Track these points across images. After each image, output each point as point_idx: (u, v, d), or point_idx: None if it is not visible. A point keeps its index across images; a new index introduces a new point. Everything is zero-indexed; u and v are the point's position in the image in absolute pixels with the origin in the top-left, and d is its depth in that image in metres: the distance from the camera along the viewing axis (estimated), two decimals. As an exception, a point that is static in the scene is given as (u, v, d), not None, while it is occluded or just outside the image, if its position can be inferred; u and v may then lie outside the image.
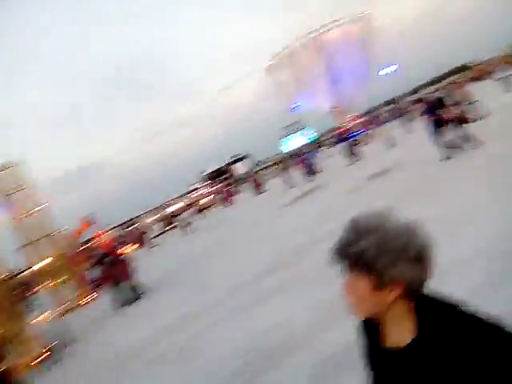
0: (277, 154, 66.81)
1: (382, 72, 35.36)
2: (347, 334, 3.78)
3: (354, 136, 34.19)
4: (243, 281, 7.53)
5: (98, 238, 29.13)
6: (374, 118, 42.96)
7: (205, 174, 74.06)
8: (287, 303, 5.47)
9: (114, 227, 46.26)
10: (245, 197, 35.38)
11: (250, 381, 3.86)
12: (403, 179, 10.54)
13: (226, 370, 4.26)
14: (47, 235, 15.17)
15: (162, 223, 42.17)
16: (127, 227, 51.11)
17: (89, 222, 24.75)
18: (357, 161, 20.37)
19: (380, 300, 0.94)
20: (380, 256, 0.90)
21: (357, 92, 35.83)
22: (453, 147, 10.32)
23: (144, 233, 32.44)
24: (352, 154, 20.99)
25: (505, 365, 0.82)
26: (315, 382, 3.38)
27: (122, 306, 10.45)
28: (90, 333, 9.56)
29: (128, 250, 24.24)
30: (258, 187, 29.73)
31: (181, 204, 54.33)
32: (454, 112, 10.45)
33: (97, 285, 11.44)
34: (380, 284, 0.92)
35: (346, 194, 11.89)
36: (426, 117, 11.06)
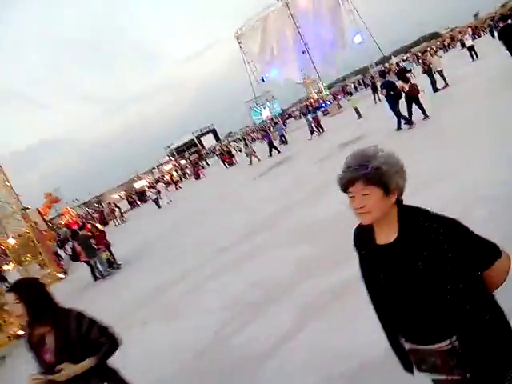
0: (246, 126, 66.59)
1: (354, 39, 35.45)
2: (326, 281, 4.18)
3: (323, 107, 34.60)
4: (222, 247, 7.78)
5: (66, 215, 28.78)
6: (343, 87, 43.29)
7: (172, 147, 72.85)
8: (267, 262, 5.79)
9: (82, 204, 45.40)
10: (215, 170, 35.34)
11: (239, 329, 4.15)
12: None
13: (214, 322, 4.53)
14: (15, 212, 14.82)
15: (131, 198, 41.68)
16: (95, 203, 50.21)
17: (56, 198, 24.24)
18: (318, 135, 20.70)
19: (385, 206, 1.31)
20: (388, 171, 1.27)
21: (327, 61, 35.94)
22: (405, 119, 10.97)
23: (113, 209, 32.02)
24: (317, 127, 21.27)
25: (459, 241, 1.24)
26: (299, 324, 3.69)
27: (102, 277, 10.57)
28: (71, 302, 9.65)
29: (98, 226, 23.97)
30: (229, 160, 29.68)
31: (149, 179, 53.69)
32: (406, 87, 11.04)
33: (73, 259, 11.40)
34: (387, 192, 1.28)
35: (316, 163, 12.23)
36: (383, 91, 11.74)
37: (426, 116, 10.81)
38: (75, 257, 11.14)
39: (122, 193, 52.84)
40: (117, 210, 30.75)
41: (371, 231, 1.40)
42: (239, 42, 35.15)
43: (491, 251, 1.28)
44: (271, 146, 21.27)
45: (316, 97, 50.28)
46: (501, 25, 12.79)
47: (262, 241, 6.94)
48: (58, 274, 14.15)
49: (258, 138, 48.38)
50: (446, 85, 15.16)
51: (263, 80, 34.43)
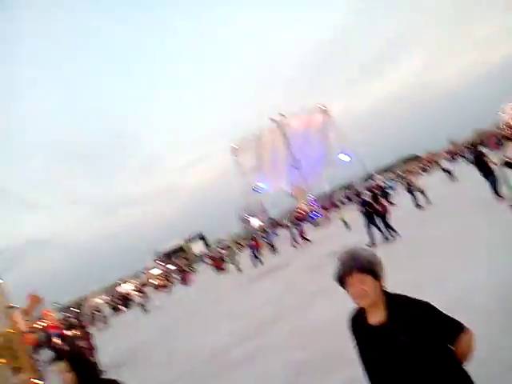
0: (236, 234, 67.47)
1: (341, 157, 38.40)
2: None
3: (312, 218, 35.81)
4: (214, 352, 7.73)
5: (46, 318, 27.51)
6: (330, 201, 45.24)
7: (161, 252, 72.63)
8: (256, 371, 5.84)
9: (64, 307, 43.58)
10: (204, 276, 35.04)
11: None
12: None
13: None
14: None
15: (115, 302, 40.28)
16: (76, 307, 48.20)
17: (38, 299, 23.48)
18: (302, 246, 21.14)
19: (377, 289, 1.73)
20: (375, 262, 1.74)
21: (315, 177, 38.45)
22: (374, 235, 12.33)
23: (94, 313, 30.89)
24: (303, 238, 21.79)
25: (431, 319, 1.66)
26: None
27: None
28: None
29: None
30: (219, 266, 29.67)
31: (135, 282, 52.45)
32: (380, 205, 12.54)
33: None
34: (376, 278, 1.72)
35: (307, 271, 12.56)
36: (360, 208, 13.21)
37: (393, 235, 11.90)
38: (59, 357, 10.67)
39: (105, 297, 51.19)
40: (98, 313, 29.69)
41: (364, 314, 1.82)
42: (235, 156, 37.75)
43: (456, 326, 1.70)
44: (255, 256, 21.75)
45: (305, 208, 52.20)
46: (474, 151, 14.31)
47: (255, 346, 7.00)
48: (35, 380, 13.22)
49: (247, 246, 48.96)
50: (427, 203, 16.33)
51: (256, 190, 36.20)
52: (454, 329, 1.70)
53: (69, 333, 10.88)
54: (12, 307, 15.51)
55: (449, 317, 1.71)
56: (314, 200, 41.20)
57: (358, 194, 21.16)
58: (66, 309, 46.08)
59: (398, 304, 1.73)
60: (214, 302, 14.91)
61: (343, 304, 7.10)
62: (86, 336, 10.85)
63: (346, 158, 39.31)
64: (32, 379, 13.43)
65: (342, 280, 1.77)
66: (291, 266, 16.30)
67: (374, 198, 13.02)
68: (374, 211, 12.41)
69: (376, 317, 1.76)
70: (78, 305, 50.33)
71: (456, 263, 6.60)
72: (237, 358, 6.75)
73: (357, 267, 1.71)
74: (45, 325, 25.61)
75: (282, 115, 38.54)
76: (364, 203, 12.91)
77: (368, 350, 1.80)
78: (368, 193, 14.28)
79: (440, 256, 7.63)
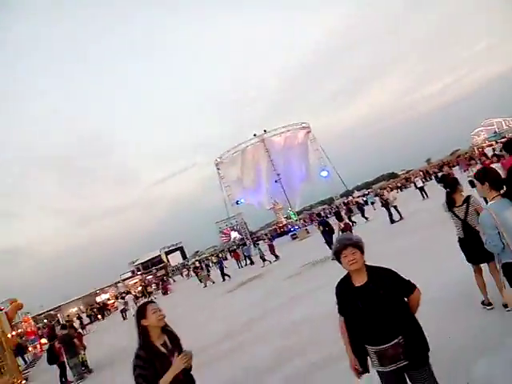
0: (214, 246, 67.94)
1: (322, 174, 39.80)
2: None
3: (291, 231, 36.88)
4: (200, 346, 8.43)
5: (25, 323, 27.43)
6: (310, 215, 46.41)
7: (137, 263, 72.26)
8: (245, 359, 6.64)
9: (40, 314, 42.96)
10: (183, 285, 35.40)
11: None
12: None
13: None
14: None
15: (90, 311, 40.10)
16: (45, 319, 47.51)
17: (21, 305, 23.50)
18: (271, 262, 21.31)
19: (362, 260, 2.61)
20: (362, 242, 2.63)
21: (296, 191, 39.69)
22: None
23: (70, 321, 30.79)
24: (272, 254, 22.30)
25: (394, 280, 2.57)
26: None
27: (77, 379, 10.58)
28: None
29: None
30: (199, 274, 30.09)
31: (113, 292, 52.17)
32: (341, 224, 13.94)
33: (49, 360, 11.24)
34: (363, 253, 2.61)
35: (286, 279, 13.38)
36: (320, 227, 15.13)
37: None
38: (53, 358, 11.10)
39: (81, 307, 50.70)
40: (77, 321, 29.69)
41: (350, 279, 2.68)
42: (218, 169, 38.66)
43: (411, 285, 2.60)
44: (222, 272, 22.48)
45: (284, 222, 53.29)
46: (440, 173, 15.60)
47: (243, 339, 7.79)
48: (21, 381, 13.57)
49: (226, 259, 49.50)
50: (401, 218, 17.53)
51: (237, 203, 37.09)
52: (409, 287, 2.61)
53: (44, 341, 11.28)
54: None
55: (406, 279, 2.62)
56: (294, 214, 42.48)
57: (319, 214, 22.69)
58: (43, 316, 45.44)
59: (374, 271, 2.64)
60: (198, 309, 15.52)
61: (319, 305, 8.09)
62: (79, 335, 11.36)
63: (326, 174, 40.85)
64: (18, 380, 13.86)
65: (338, 253, 2.64)
66: (270, 274, 17.08)
67: (338, 217, 14.56)
68: (330, 230, 14.55)
69: (360, 280, 2.64)
70: (50, 315, 49.66)
71: (414, 267, 7.62)
72: (227, 349, 7.53)
73: (350, 243, 2.61)
74: (23, 330, 25.63)
75: (265, 131, 39.81)
76: (321, 223, 14.38)
77: (354, 303, 2.64)
78: (344, 207, 15.73)
79: (402, 261, 8.65)
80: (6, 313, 18.17)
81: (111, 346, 15.08)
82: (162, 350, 2.72)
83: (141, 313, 2.77)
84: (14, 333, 22.01)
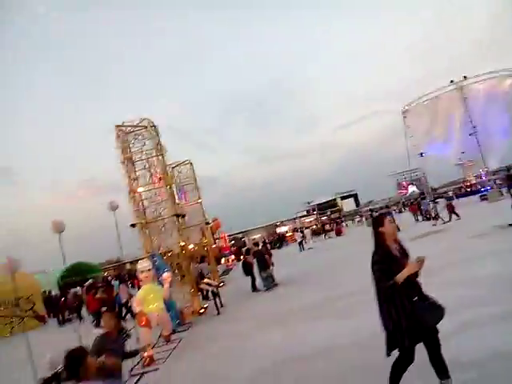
0: (390, 198, 66.33)
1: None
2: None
3: (482, 192, 33.44)
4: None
5: (222, 239, 33.06)
6: (508, 176, 40.84)
7: (313, 204, 75.96)
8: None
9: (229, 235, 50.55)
10: (356, 229, 36.47)
11: None
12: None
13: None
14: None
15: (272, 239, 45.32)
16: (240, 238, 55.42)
17: (219, 223, 28.41)
18: (444, 223, 20.58)
19: None
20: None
21: (493, 149, 34.92)
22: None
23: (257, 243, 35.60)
24: (451, 213, 21.25)
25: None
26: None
27: (267, 289, 12.90)
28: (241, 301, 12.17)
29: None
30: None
31: (291, 226, 57.31)
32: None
33: (245, 271, 13.96)
34: None
35: (470, 238, 12.88)
36: None
37: None
38: (247, 270, 13.68)
39: (263, 234, 57.32)
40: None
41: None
42: (404, 117, 36.63)
43: None
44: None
45: (473, 181, 48.13)
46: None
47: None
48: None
49: (401, 211, 48.20)
50: None
51: (421, 155, 34.86)
52: None
53: (232, 257, 13.72)
54: (208, 223, 19.79)
55: None
56: (486, 174, 37.89)
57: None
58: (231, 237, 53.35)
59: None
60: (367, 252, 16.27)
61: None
62: (268, 253, 13.61)
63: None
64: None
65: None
66: (452, 231, 16.49)
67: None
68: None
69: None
70: (239, 238, 57.57)
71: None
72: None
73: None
74: (220, 245, 31.04)
75: (465, 77, 35.50)
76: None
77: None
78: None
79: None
80: (210, 227, 22.48)
81: (288, 269, 17.27)
82: (395, 252, 3.28)
83: (379, 222, 3.36)
84: (214, 245, 26.99)
